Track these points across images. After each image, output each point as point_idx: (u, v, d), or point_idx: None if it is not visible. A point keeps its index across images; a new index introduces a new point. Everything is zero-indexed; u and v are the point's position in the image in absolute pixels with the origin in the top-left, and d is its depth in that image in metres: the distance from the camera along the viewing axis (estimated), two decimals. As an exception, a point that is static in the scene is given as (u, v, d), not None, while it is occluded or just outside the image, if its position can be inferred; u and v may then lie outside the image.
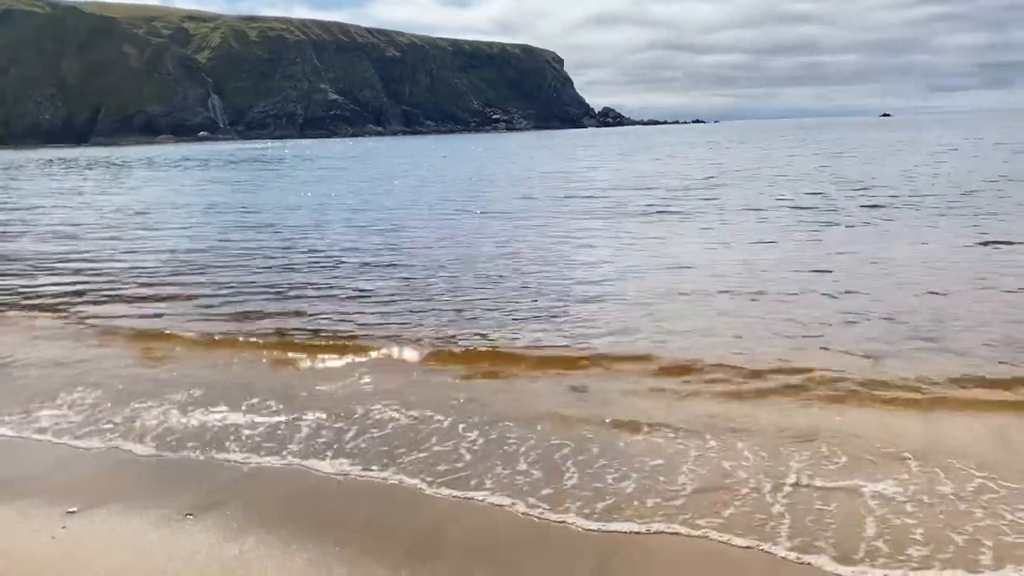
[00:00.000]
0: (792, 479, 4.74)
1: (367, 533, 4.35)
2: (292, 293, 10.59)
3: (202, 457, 5.42)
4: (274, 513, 4.61)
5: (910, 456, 4.99)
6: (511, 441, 5.44)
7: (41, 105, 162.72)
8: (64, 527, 4.47)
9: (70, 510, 4.67)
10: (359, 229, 17.21)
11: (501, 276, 11.15)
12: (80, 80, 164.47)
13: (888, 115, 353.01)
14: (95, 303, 10.54)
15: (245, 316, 9.37)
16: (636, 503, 4.55)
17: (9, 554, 4.19)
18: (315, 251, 14.22)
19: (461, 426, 5.72)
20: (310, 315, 9.21)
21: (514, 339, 7.90)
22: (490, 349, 7.61)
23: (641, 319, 8.52)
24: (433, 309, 9.29)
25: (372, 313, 9.21)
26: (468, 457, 5.24)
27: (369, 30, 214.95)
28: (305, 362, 7.48)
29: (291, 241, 15.60)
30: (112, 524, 4.52)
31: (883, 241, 13.27)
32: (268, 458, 5.35)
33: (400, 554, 4.12)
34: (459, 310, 9.22)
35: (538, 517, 4.46)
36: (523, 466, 5.07)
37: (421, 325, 8.55)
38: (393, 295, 10.13)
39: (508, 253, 13.28)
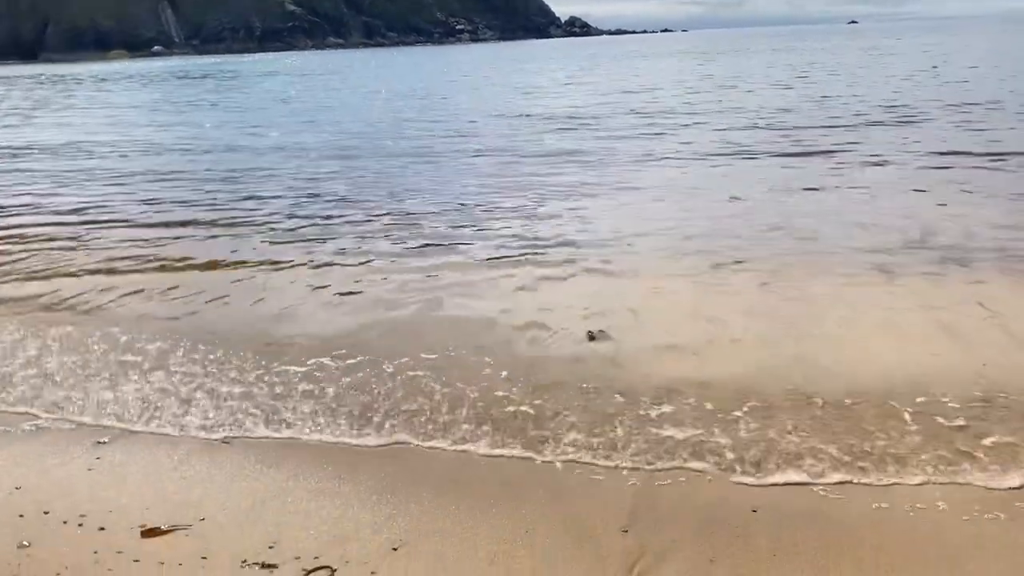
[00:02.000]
0: None
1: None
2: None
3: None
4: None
5: None
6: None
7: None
8: (98, 458, 4.33)
9: (100, 440, 4.52)
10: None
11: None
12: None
13: (855, 22, 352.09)
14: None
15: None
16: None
17: (46, 489, 4.03)
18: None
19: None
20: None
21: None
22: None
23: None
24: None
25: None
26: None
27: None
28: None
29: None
30: (148, 454, 4.39)
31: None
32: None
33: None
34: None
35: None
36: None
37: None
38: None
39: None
